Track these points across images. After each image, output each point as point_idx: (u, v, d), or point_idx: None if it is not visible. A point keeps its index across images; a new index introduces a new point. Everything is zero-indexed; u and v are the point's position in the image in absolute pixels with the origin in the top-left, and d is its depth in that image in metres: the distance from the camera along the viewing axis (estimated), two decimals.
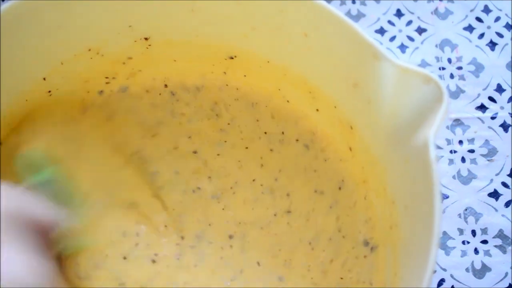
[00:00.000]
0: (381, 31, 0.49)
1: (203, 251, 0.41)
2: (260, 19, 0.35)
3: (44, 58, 0.36)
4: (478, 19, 0.49)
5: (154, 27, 0.37)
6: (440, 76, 0.48)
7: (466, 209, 0.45)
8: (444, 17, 0.50)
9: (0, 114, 0.37)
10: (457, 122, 0.47)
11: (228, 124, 0.43)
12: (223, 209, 0.42)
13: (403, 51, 0.49)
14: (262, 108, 0.43)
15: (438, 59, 0.48)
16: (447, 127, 0.46)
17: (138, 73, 0.41)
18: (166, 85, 0.43)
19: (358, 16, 0.50)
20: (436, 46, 0.49)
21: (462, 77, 0.48)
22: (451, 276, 0.43)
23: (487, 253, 0.44)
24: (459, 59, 0.48)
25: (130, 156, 0.42)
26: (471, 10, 0.50)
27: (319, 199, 0.41)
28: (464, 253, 0.44)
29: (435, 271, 0.42)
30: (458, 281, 0.43)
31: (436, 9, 0.50)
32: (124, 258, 0.40)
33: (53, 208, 0.34)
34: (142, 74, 0.41)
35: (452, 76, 0.48)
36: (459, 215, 0.44)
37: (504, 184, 0.45)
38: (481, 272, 0.43)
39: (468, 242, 0.44)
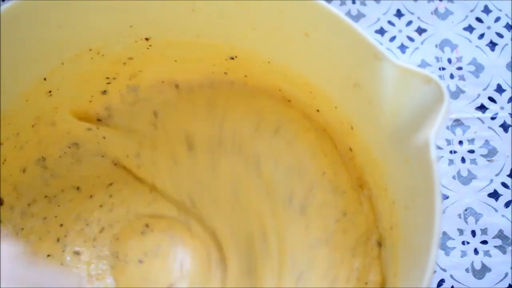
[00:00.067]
0: (381, 31, 0.49)
1: None
2: (260, 19, 0.35)
3: (44, 58, 0.36)
4: (478, 19, 0.49)
5: (155, 27, 0.37)
6: (440, 76, 0.48)
7: (466, 210, 0.45)
8: (444, 17, 0.50)
9: (0, 114, 0.37)
10: (457, 122, 0.47)
11: None
12: None
13: (403, 52, 0.49)
14: None
15: (438, 59, 0.48)
16: (447, 128, 0.46)
17: (139, 73, 0.41)
18: None
19: (358, 16, 0.50)
20: (436, 46, 0.49)
21: (462, 77, 0.48)
22: (451, 276, 0.43)
23: (487, 253, 0.44)
24: (459, 59, 0.48)
25: None
26: (471, 11, 0.50)
27: None
28: (464, 254, 0.44)
29: (435, 272, 0.42)
30: (458, 281, 0.43)
31: (436, 9, 0.50)
32: None
33: None
34: (143, 74, 0.41)
35: (452, 76, 0.48)
36: (459, 216, 0.44)
37: (504, 185, 0.45)
38: (481, 272, 0.43)
39: (468, 243, 0.44)
